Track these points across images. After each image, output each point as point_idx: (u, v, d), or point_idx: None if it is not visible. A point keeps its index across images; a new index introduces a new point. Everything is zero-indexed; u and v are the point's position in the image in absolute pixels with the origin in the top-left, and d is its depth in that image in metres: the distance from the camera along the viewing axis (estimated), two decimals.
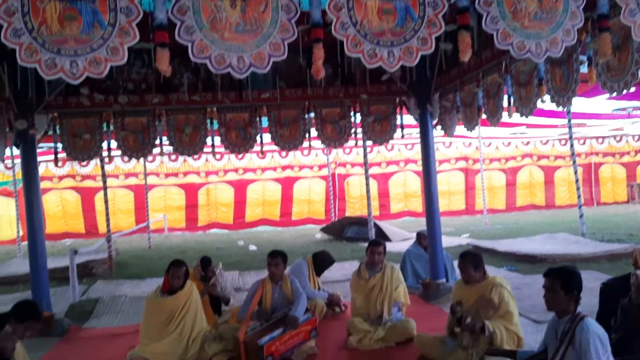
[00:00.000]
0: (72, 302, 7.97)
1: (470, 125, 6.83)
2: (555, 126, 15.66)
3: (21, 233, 14.42)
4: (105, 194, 11.73)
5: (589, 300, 5.15)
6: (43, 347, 6.04)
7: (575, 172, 12.00)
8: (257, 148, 7.72)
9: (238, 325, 5.47)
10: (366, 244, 6.04)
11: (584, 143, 21.70)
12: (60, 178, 19.22)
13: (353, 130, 7.71)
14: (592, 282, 6.47)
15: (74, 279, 8.02)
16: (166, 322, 5.34)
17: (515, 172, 21.66)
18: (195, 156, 19.48)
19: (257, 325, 5.35)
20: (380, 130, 7.67)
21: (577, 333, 3.29)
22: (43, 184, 15.48)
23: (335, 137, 7.62)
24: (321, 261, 7.16)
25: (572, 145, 11.99)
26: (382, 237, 12.50)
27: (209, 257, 6.66)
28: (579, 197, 11.92)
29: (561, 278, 3.43)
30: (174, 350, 5.20)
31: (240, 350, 5.07)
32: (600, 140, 21.90)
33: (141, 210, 17.85)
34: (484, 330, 4.41)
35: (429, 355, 4.94)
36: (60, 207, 19.26)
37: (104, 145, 7.30)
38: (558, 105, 4.94)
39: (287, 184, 20.55)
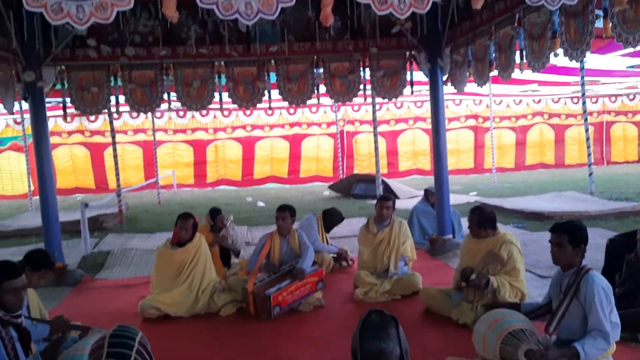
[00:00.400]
0: (84, 254, 8.11)
1: (481, 81, 6.73)
2: (568, 84, 15.40)
3: (32, 188, 14.59)
4: (115, 149, 11.77)
5: (595, 256, 5.19)
6: (57, 296, 6.21)
7: (587, 131, 11.87)
8: (265, 104, 7.67)
9: (247, 277, 5.57)
10: (374, 201, 6.07)
11: (596, 101, 21.39)
12: (70, 133, 19.32)
13: (362, 85, 7.63)
14: (598, 239, 6.49)
15: (86, 231, 8.14)
16: (176, 274, 5.44)
17: (526, 131, 21.46)
18: (204, 112, 19.68)
19: (265, 277, 5.44)
20: (389, 85, 7.58)
21: (582, 285, 3.32)
22: (52, 139, 15.51)
23: (344, 92, 7.54)
24: (331, 218, 7.23)
25: (584, 103, 11.83)
26: (389, 193, 12.53)
27: (218, 208, 6.71)
28: (589, 155, 11.84)
29: (568, 233, 3.43)
30: (184, 300, 5.32)
31: (248, 301, 5.18)
32: (613, 98, 21.57)
33: (150, 166, 17.96)
34: (487, 285, 4.48)
35: (434, 308, 5.02)
36: (70, 163, 19.42)
37: (112, 100, 7.28)
38: (571, 59, 4.83)
39: (295, 141, 20.52)
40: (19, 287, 2.94)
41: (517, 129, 21.41)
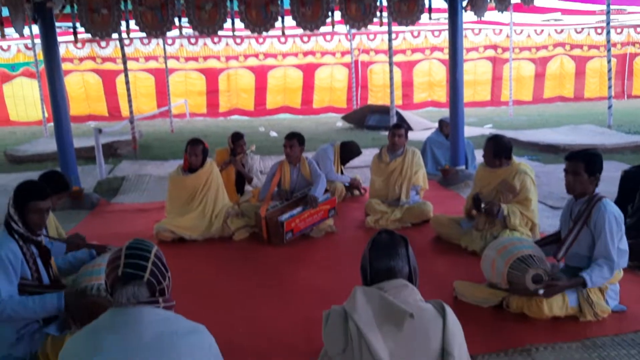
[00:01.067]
0: (99, 179, 8.22)
1: (501, 6, 6.49)
2: (593, 12, 14.80)
3: (46, 115, 14.65)
4: (127, 76, 11.67)
5: (608, 189, 5.16)
6: (74, 219, 6.36)
7: (609, 62, 11.50)
8: (278, 32, 7.45)
9: (259, 203, 5.64)
10: (387, 133, 6.01)
11: (621, 32, 20.62)
12: (81, 60, 19.15)
13: (378, 12, 7.37)
14: (613, 172, 6.45)
15: (100, 156, 8.21)
16: (189, 199, 5.54)
17: (546, 62, 20.86)
18: (216, 40, 19.24)
19: (277, 204, 5.50)
20: (407, 11, 7.31)
21: (593, 213, 3.32)
22: (64, 66, 15.44)
23: (359, 17, 7.29)
24: (348, 150, 7.21)
25: (608, 33, 11.40)
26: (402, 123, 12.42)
27: (241, 133, 6.69)
28: (609, 87, 11.55)
29: (585, 161, 3.39)
30: (198, 224, 5.43)
31: (261, 226, 5.27)
32: (639, 29, 20.78)
33: (162, 94, 17.88)
34: (499, 213, 4.49)
35: (443, 235, 5.08)
36: (82, 89, 19.37)
37: (123, 25, 7.12)
38: None
39: (309, 71, 20.18)
40: (43, 209, 3.00)
41: (537, 60, 20.82)
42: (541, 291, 3.25)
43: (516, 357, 2.98)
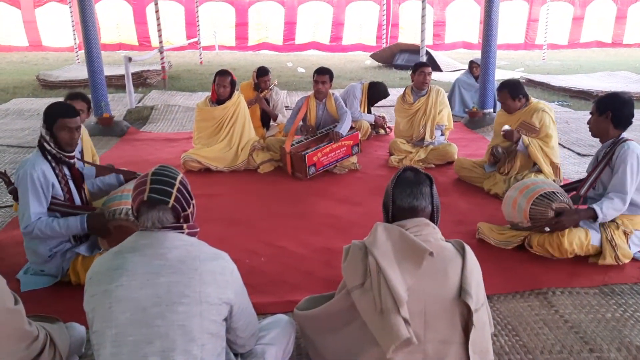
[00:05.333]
0: (129, 107, 8.33)
1: None
2: None
3: (77, 41, 14.67)
4: (156, 4, 11.54)
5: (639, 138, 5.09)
6: (104, 145, 6.54)
7: None
8: None
9: (284, 138, 5.70)
10: None
11: None
12: None
13: None
14: None
15: (130, 85, 8.27)
16: (216, 130, 5.62)
17: (586, 5, 19.93)
18: None
19: (302, 139, 5.55)
20: None
21: (616, 152, 3.37)
22: None
23: None
24: (376, 91, 7.11)
25: None
26: (432, 65, 12.16)
27: (267, 69, 6.58)
28: None
29: (596, 101, 3.49)
30: (224, 155, 5.53)
31: (285, 160, 5.35)
32: None
33: (192, 25, 17.67)
34: (518, 141, 4.50)
35: (466, 179, 5.11)
36: (113, 18, 19.22)
37: None
38: None
39: (339, 7, 19.65)
40: (72, 127, 3.04)
41: (577, 2, 19.88)
42: (547, 229, 3.31)
43: (532, 299, 2.99)
